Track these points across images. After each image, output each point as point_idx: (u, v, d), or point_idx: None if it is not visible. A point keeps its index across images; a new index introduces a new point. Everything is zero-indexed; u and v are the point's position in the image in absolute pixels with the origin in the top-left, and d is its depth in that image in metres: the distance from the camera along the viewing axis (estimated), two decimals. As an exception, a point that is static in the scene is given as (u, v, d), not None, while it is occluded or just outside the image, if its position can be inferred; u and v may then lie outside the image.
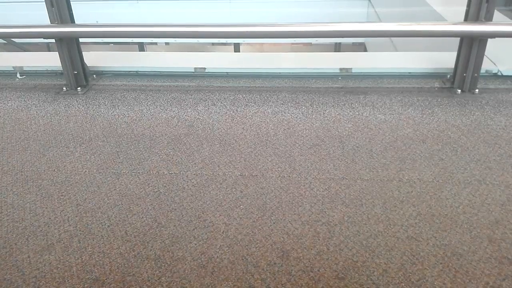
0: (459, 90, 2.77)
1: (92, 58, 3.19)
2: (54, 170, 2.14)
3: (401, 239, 1.67)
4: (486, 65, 2.87)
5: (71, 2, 2.77)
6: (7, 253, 1.66)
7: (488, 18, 2.56)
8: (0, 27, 3.10)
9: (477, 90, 2.75)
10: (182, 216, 1.81)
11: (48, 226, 1.78)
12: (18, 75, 3.21)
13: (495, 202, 1.84)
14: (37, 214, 1.84)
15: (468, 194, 1.89)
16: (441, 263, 1.56)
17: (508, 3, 4.74)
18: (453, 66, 2.83)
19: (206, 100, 2.76)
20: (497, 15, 2.68)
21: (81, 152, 2.27)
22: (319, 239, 1.67)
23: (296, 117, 2.53)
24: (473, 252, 1.60)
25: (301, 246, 1.65)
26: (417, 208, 1.81)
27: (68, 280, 1.54)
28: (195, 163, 2.15)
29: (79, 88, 2.95)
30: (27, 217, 1.83)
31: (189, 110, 2.66)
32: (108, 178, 2.06)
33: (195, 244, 1.67)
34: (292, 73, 3.06)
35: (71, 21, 2.80)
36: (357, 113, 2.56)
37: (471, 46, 2.65)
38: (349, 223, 1.75)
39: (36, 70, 3.23)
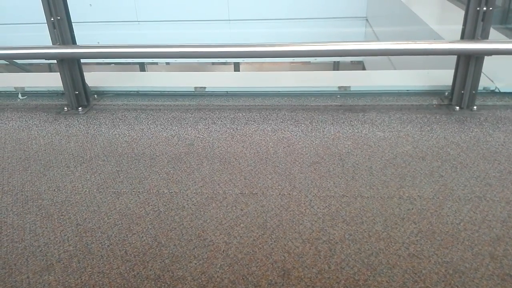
0: (457, 107, 2.78)
1: (94, 78, 3.21)
2: (55, 190, 2.14)
3: (402, 256, 1.66)
4: (484, 82, 2.90)
5: (72, 24, 2.81)
6: (6, 273, 1.64)
7: (484, 36, 2.60)
8: (2, 48, 3.15)
9: (475, 107, 2.77)
10: (182, 235, 1.80)
11: (48, 246, 1.77)
12: (19, 96, 3.23)
13: (496, 219, 1.83)
14: (37, 234, 1.84)
15: (469, 210, 1.89)
16: (443, 281, 1.54)
17: (503, 21, 4.80)
18: (450, 83, 2.85)
19: (206, 119, 2.78)
20: (493, 33, 2.71)
21: (81, 172, 2.27)
22: (320, 258, 1.67)
23: (296, 135, 2.55)
24: (475, 269, 1.59)
25: (302, 265, 1.64)
26: (418, 225, 1.81)
27: (67, 301, 1.52)
28: (195, 182, 2.15)
29: (80, 108, 2.97)
30: (27, 238, 1.82)
31: (189, 129, 2.67)
32: (108, 198, 2.06)
33: (195, 263, 1.66)
34: (292, 91, 3.08)
35: (73, 42, 2.85)
36: (357, 130, 2.57)
37: (468, 64, 2.68)
38: (350, 241, 1.74)
39: (38, 91, 3.26)
